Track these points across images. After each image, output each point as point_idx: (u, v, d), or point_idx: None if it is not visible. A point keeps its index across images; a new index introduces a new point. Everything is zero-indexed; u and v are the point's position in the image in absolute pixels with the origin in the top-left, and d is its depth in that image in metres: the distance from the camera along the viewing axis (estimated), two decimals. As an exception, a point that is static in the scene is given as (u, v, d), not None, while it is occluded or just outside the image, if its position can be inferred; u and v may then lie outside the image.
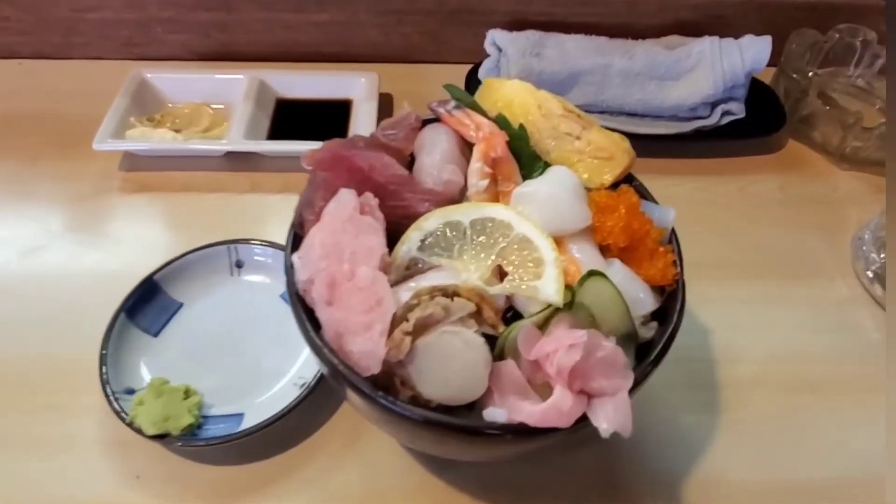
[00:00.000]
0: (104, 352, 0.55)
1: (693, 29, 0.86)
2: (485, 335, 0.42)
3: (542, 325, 0.42)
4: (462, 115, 0.51)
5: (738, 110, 0.81)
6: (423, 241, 0.45)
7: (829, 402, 0.59)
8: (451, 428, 0.40)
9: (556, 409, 0.39)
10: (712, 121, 0.81)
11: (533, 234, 0.45)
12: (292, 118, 0.83)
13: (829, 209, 0.77)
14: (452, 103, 0.52)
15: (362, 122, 0.79)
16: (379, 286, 0.41)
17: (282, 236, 0.48)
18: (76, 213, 0.72)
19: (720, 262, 0.69)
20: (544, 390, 0.41)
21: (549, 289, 0.42)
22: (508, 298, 0.45)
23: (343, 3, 0.88)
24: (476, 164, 0.49)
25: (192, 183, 0.76)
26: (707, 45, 0.81)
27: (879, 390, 0.60)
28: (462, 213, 0.46)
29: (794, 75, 0.84)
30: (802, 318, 0.66)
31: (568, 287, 0.43)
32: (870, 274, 0.68)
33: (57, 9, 0.86)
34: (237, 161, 0.77)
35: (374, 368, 0.39)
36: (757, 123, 0.82)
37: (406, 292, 0.43)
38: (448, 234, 0.45)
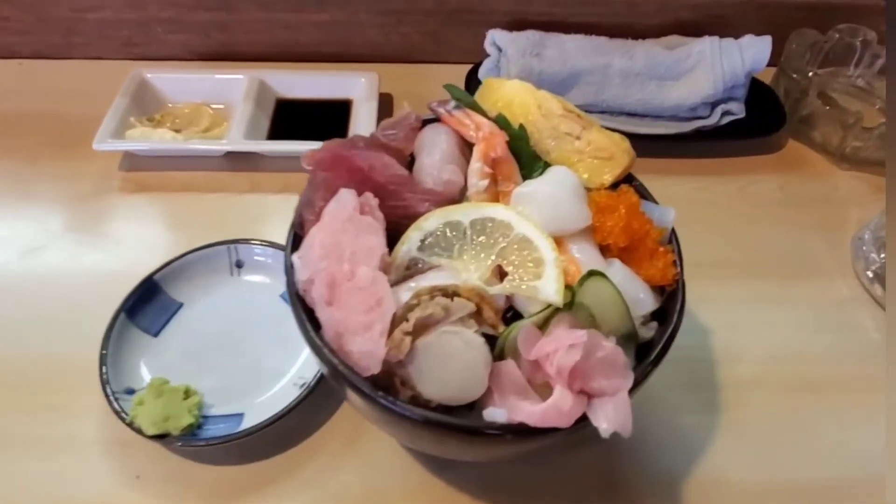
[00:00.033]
0: (104, 352, 0.55)
1: (693, 29, 0.86)
2: (485, 335, 0.42)
3: (542, 325, 0.42)
4: (462, 115, 0.51)
5: (738, 110, 0.81)
6: (423, 241, 0.45)
7: (829, 402, 0.59)
8: (450, 428, 0.40)
9: (556, 409, 0.39)
10: (712, 121, 0.81)
11: (533, 234, 0.45)
12: (292, 118, 0.83)
13: (829, 209, 0.77)
14: (452, 103, 0.52)
15: (362, 122, 0.79)
16: (379, 286, 0.41)
17: (282, 236, 0.48)
18: (76, 213, 0.72)
19: (720, 262, 0.69)
20: (544, 390, 0.41)
21: (549, 289, 0.42)
22: (508, 298, 0.45)
23: (343, 3, 0.88)
24: (476, 164, 0.49)
25: (192, 183, 0.76)
26: (707, 45, 0.81)
27: (879, 390, 0.60)
28: (462, 213, 0.46)
29: (794, 75, 0.84)
30: (802, 318, 0.66)
31: (568, 287, 0.43)
32: (870, 274, 0.68)
33: (57, 9, 0.86)
34: (237, 161, 0.77)
35: (374, 368, 0.39)
36: (757, 123, 0.82)
37: (406, 292, 0.43)
38: (448, 234, 0.45)
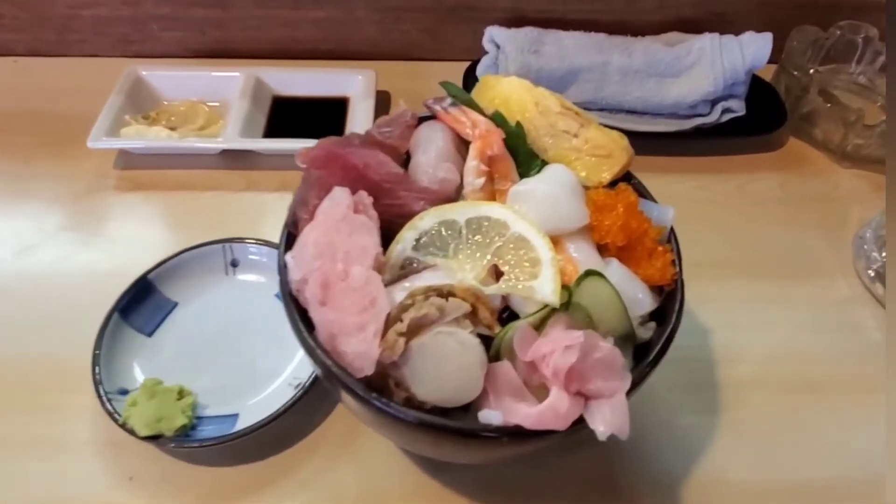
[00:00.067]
0: (97, 352, 0.54)
1: (693, 26, 0.85)
2: (480, 336, 0.41)
3: (539, 326, 0.42)
4: (458, 113, 0.51)
5: (738, 108, 0.81)
6: (417, 240, 0.45)
7: (829, 402, 0.59)
8: (445, 430, 0.39)
9: (552, 411, 0.38)
10: (712, 118, 0.81)
11: (529, 234, 0.44)
12: (289, 116, 0.82)
13: (830, 207, 0.77)
14: (449, 100, 0.52)
15: (359, 119, 0.78)
16: (373, 286, 0.41)
17: (278, 235, 0.47)
18: (71, 211, 0.72)
19: (720, 262, 0.69)
20: (541, 392, 0.40)
21: (546, 289, 0.42)
22: (504, 298, 0.44)
23: (340, -1, 0.87)
24: (472, 162, 0.48)
25: (187, 181, 0.75)
26: (707, 42, 0.80)
27: (879, 390, 0.59)
28: (458, 212, 0.46)
29: (795, 72, 0.84)
30: (802, 318, 0.65)
31: (565, 287, 0.42)
32: (871, 273, 0.67)
33: (52, 6, 0.85)
34: (233, 159, 0.76)
35: (368, 370, 0.39)
36: (757, 121, 0.81)
37: (400, 292, 0.42)
38: (443, 233, 0.45)
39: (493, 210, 0.46)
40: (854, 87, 0.87)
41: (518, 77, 0.54)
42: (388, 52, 0.92)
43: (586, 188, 0.49)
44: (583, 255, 0.46)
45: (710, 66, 0.79)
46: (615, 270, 0.45)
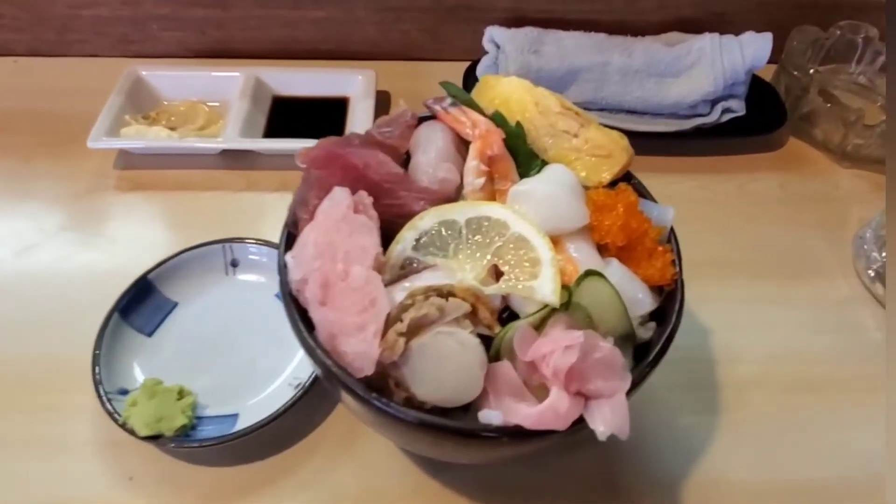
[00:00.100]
0: (97, 352, 0.54)
1: (693, 26, 0.85)
2: (480, 336, 0.41)
3: (539, 326, 0.42)
4: (458, 113, 0.51)
5: (738, 108, 0.81)
6: (417, 240, 0.45)
7: (829, 402, 0.59)
8: (445, 430, 0.39)
9: (552, 411, 0.38)
10: (712, 118, 0.81)
11: (529, 234, 0.44)
12: (289, 116, 0.82)
13: (830, 207, 0.77)
14: (448, 100, 0.52)
15: (359, 119, 0.78)
16: (373, 286, 0.41)
17: (278, 235, 0.47)
18: (71, 211, 0.72)
19: (720, 262, 0.68)
20: (540, 392, 0.40)
21: (546, 289, 0.42)
22: (504, 298, 0.44)
23: (340, -1, 0.87)
24: (472, 162, 0.48)
25: (187, 181, 0.75)
26: (707, 42, 0.80)
27: (879, 390, 0.59)
28: (458, 212, 0.46)
29: (795, 72, 0.84)
30: (802, 318, 0.65)
31: (565, 287, 0.42)
32: (871, 273, 0.67)
33: (52, 6, 0.85)
34: (233, 159, 0.76)
35: (368, 370, 0.39)
36: (757, 121, 0.81)
37: (400, 292, 0.42)
38: (443, 233, 0.45)
39: (493, 210, 0.46)
40: (854, 87, 0.87)
41: (518, 77, 0.54)
42: (388, 52, 0.92)
43: (586, 188, 0.49)
44: (583, 255, 0.46)
45: (710, 66, 0.79)
46: (615, 270, 0.45)
